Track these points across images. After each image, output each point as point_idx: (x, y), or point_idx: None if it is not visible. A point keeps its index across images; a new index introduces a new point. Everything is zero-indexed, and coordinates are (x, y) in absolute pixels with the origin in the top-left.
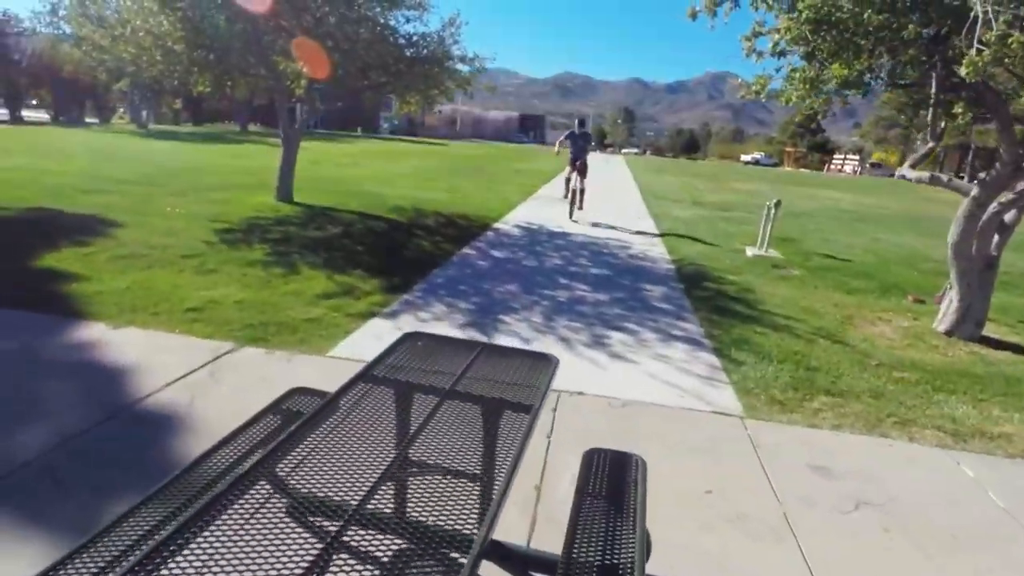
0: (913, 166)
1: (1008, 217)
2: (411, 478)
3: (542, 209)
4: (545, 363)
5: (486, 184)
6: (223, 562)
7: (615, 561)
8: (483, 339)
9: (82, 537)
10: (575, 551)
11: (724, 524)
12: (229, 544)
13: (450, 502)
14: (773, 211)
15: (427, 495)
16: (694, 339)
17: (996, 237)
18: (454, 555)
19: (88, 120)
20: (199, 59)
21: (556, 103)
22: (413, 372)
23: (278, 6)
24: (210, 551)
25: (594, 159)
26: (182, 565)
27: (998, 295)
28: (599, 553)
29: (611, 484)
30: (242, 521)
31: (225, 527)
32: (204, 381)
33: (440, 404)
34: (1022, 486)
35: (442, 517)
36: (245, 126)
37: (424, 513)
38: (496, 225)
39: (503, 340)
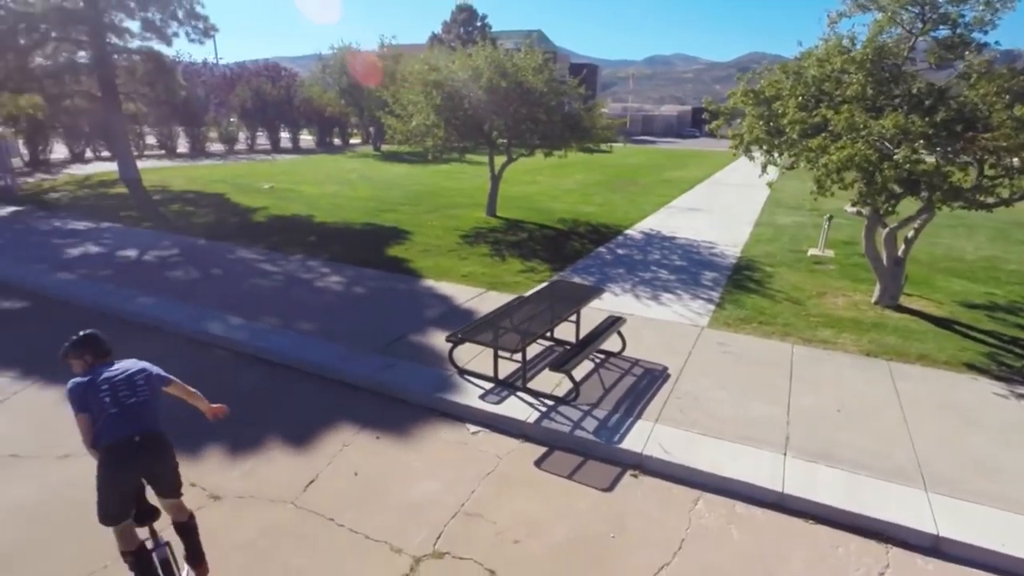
0: (854, 205)
1: (909, 235)
2: (556, 320)
3: (667, 219)
4: (599, 290)
5: (631, 197)
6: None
7: (590, 342)
8: None
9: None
10: (578, 339)
11: (668, 353)
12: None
13: (568, 330)
14: (827, 224)
15: (561, 329)
16: (711, 299)
17: (903, 246)
18: (565, 347)
19: (335, 142)
20: (450, 138)
21: None
22: (557, 291)
23: (494, 104)
24: None
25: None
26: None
27: (957, 281)
28: (590, 341)
29: (609, 324)
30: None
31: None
32: (479, 300)
33: (562, 299)
34: (815, 356)
35: (566, 335)
36: None
37: (560, 334)
38: (627, 231)
39: (606, 294)
